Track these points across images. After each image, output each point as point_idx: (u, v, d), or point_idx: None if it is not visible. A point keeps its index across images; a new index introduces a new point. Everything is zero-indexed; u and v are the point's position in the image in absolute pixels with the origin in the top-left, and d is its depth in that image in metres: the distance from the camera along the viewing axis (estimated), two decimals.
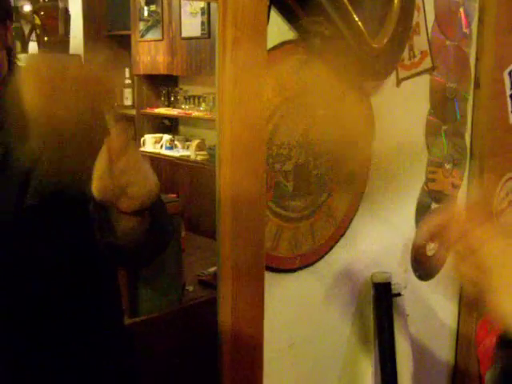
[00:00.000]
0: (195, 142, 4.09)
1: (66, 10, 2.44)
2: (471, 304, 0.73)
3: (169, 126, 4.51)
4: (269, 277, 1.22)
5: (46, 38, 2.37)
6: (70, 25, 2.45)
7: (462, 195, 1.70)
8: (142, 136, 4.46)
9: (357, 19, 1.19)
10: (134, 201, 0.81)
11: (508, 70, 1.70)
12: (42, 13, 2.38)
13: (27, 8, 2.66)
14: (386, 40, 1.28)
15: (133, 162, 0.80)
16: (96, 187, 0.80)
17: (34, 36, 2.40)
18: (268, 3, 1.13)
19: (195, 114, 4.23)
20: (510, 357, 0.71)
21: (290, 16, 1.17)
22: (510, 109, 1.74)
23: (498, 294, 0.67)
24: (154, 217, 0.89)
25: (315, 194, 1.29)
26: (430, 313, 1.66)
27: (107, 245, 0.89)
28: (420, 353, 1.62)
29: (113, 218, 0.85)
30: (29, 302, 0.95)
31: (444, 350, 1.76)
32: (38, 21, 2.44)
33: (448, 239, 0.73)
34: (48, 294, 0.96)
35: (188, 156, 4.11)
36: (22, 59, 1.04)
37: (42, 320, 0.96)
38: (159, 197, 0.92)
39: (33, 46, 2.41)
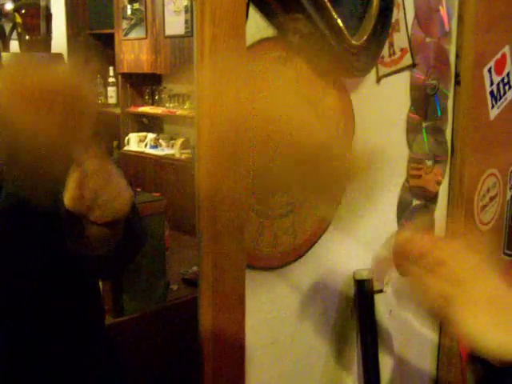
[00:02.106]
0: (180, 141, 4.09)
1: (48, 9, 2.42)
2: (434, 318, 0.72)
3: (147, 124, 4.50)
4: (250, 275, 1.22)
5: (27, 37, 2.36)
6: (51, 23, 2.43)
7: (443, 192, 1.72)
8: (127, 135, 4.45)
9: (336, 16, 1.19)
10: (105, 213, 0.81)
11: (488, 67, 1.71)
12: (24, 11, 2.36)
13: (9, 6, 2.63)
14: (365, 37, 1.28)
15: (106, 180, 0.79)
16: (68, 198, 0.80)
17: (15, 35, 2.38)
18: (247, 0, 1.12)
19: (179, 112, 4.23)
20: (481, 377, 0.70)
21: (268, 13, 1.17)
22: (490, 105, 1.75)
23: (464, 311, 0.66)
24: (125, 228, 0.88)
25: (296, 191, 1.29)
26: (412, 309, 1.67)
27: (76, 254, 0.89)
28: (402, 347, 1.63)
29: (83, 227, 0.85)
30: (4, 304, 0.94)
31: (426, 343, 1.77)
32: (19, 19, 2.41)
33: (416, 253, 0.72)
34: (23, 296, 0.95)
35: (172, 155, 4.10)
36: (2, 58, 1.03)
37: (19, 321, 0.95)
38: (134, 208, 0.92)
39: (14, 45, 2.39)
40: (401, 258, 0.75)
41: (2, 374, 0.95)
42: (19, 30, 2.40)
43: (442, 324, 0.72)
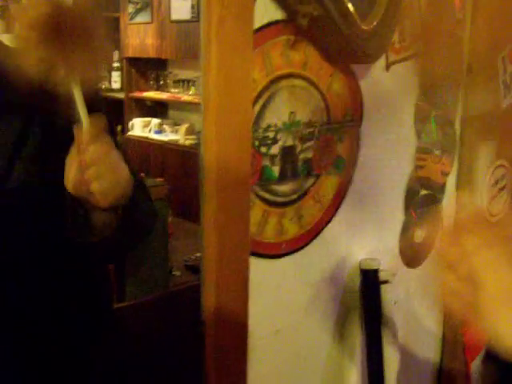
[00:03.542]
0: (184, 127, 4.07)
1: None
2: (452, 317, 0.70)
3: (151, 107, 4.48)
4: (254, 262, 1.20)
5: None
6: None
7: (451, 182, 1.69)
8: (131, 120, 4.43)
9: (346, 0, 1.16)
10: (106, 197, 0.79)
11: (501, 55, 1.67)
12: None
13: None
14: (375, 22, 1.25)
15: (101, 153, 0.78)
16: (67, 178, 0.79)
17: None
18: None
19: (184, 98, 4.20)
20: (493, 375, 0.68)
21: None
22: (502, 95, 1.72)
23: (486, 308, 0.64)
24: (129, 214, 0.87)
25: (302, 178, 1.27)
26: (418, 299, 1.66)
27: (79, 239, 0.88)
28: (407, 337, 1.61)
29: (87, 212, 0.84)
30: (12, 288, 0.93)
31: (430, 334, 1.75)
32: (25, 1, 2.39)
33: (438, 248, 0.70)
34: (31, 280, 0.94)
35: (177, 140, 4.09)
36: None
37: (27, 304, 0.94)
38: (143, 190, 0.91)
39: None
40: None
41: (6, 356, 0.94)
42: None
43: (461, 321, 0.70)
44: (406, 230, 1.57)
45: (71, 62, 0.77)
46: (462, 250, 0.66)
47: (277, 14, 1.15)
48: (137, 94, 4.48)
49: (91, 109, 0.80)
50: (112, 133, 0.96)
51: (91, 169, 0.77)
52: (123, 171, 0.82)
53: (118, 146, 0.88)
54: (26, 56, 0.75)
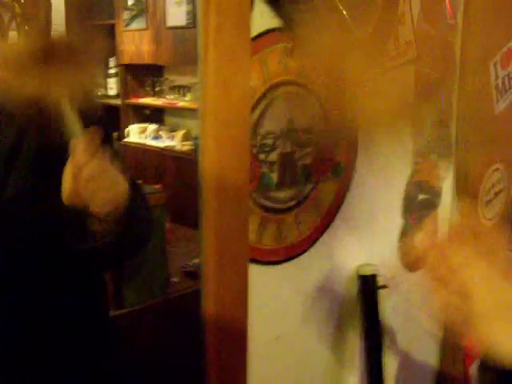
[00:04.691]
0: (181, 133, 4.07)
1: None
2: (450, 329, 0.71)
3: (149, 115, 4.48)
4: (253, 269, 1.20)
5: (26, 27, 2.34)
6: (51, 13, 2.42)
7: (448, 187, 1.70)
8: (127, 126, 4.43)
9: (341, 7, 1.17)
10: (102, 206, 0.80)
11: (493, 61, 1.69)
12: (23, 1, 2.35)
13: None
14: (370, 29, 1.26)
15: (99, 169, 0.79)
16: (64, 192, 0.80)
17: (14, 25, 2.35)
18: None
19: (181, 104, 4.21)
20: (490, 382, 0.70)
21: (274, 3, 1.15)
22: (495, 99, 1.73)
23: (479, 319, 0.65)
24: (127, 221, 0.88)
25: (300, 184, 1.28)
26: (417, 304, 1.66)
27: (77, 247, 0.89)
28: (406, 342, 1.62)
29: (84, 220, 0.85)
30: (10, 295, 0.93)
31: (430, 338, 1.76)
32: (17, 9, 2.40)
33: (428, 263, 0.71)
34: (28, 286, 0.94)
35: (173, 146, 4.09)
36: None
37: (25, 312, 0.95)
38: (142, 198, 0.91)
39: (13, 36, 2.36)
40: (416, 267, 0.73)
41: (4, 364, 0.94)
42: (18, 20, 2.38)
43: (458, 331, 0.70)
44: (404, 234, 1.58)
45: (61, 81, 0.78)
46: (451, 264, 0.66)
47: (274, 22, 1.16)
48: (133, 101, 4.49)
49: (87, 121, 0.81)
50: (109, 141, 0.97)
51: (88, 184, 0.78)
52: (120, 185, 0.83)
53: (114, 154, 0.89)
54: (18, 76, 0.76)
